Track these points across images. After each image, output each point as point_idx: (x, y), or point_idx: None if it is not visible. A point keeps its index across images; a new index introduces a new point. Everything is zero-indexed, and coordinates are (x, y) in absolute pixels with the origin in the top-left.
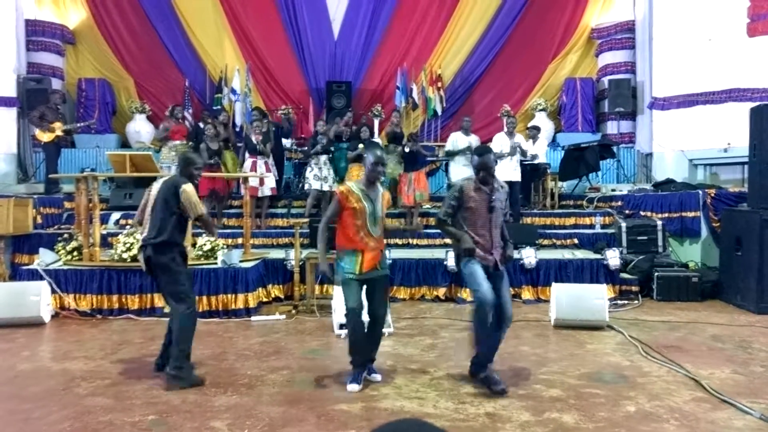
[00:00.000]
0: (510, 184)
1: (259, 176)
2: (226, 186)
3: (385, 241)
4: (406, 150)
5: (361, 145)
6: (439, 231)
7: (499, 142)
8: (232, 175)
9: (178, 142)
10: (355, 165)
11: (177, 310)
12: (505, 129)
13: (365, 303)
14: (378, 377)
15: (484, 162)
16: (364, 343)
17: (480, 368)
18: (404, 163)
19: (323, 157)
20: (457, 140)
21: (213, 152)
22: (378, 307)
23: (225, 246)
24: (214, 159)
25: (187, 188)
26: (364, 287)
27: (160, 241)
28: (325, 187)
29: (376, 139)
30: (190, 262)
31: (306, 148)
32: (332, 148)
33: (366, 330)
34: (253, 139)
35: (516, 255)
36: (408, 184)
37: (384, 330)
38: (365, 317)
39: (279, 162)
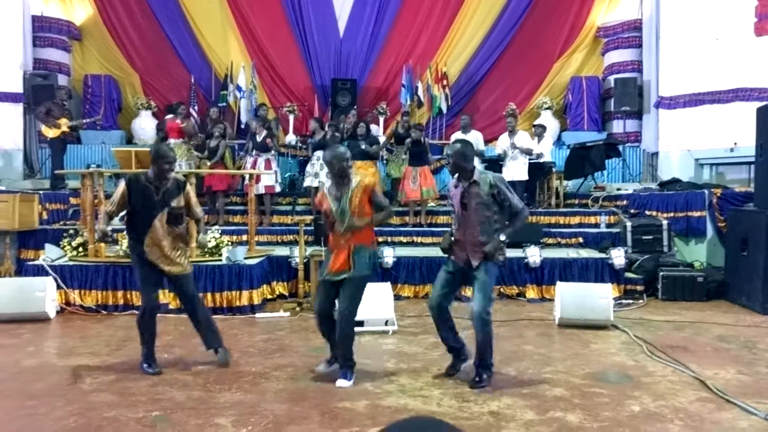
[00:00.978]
0: (513, 183)
1: (256, 173)
2: (227, 183)
3: (371, 237)
4: (412, 137)
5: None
6: (442, 229)
7: (501, 143)
8: (228, 172)
9: (173, 140)
10: (358, 161)
11: None
12: (506, 129)
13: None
14: (341, 383)
15: (451, 151)
16: (333, 341)
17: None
18: (410, 156)
19: (318, 154)
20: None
21: (211, 150)
22: (341, 303)
23: (229, 243)
24: (201, 155)
25: (120, 183)
26: (337, 288)
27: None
28: (315, 183)
29: (380, 136)
30: (194, 259)
31: (304, 146)
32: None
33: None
34: (257, 137)
35: (520, 254)
36: (413, 179)
37: (388, 328)
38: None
39: None
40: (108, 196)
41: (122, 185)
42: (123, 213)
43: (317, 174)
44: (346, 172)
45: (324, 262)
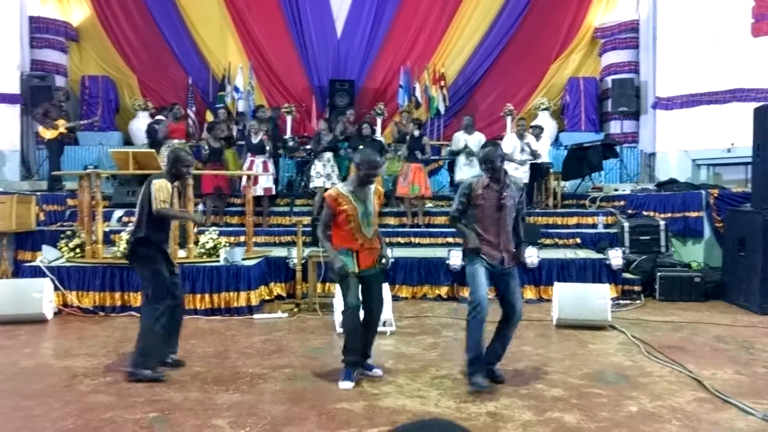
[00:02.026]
0: None
1: (255, 174)
2: (229, 184)
3: (381, 240)
4: (415, 134)
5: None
6: (440, 230)
7: (510, 144)
8: (230, 173)
9: (176, 141)
10: None
11: (143, 308)
12: (516, 130)
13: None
14: (379, 372)
15: (485, 155)
16: (359, 342)
17: (478, 368)
18: (407, 151)
19: (327, 155)
20: (459, 140)
21: (214, 150)
22: (374, 306)
23: (227, 244)
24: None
25: (158, 182)
26: (361, 285)
27: (135, 237)
28: (328, 185)
29: (378, 137)
30: (192, 260)
31: (310, 146)
32: (340, 146)
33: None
34: (253, 138)
35: None
36: (404, 176)
37: (386, 329)
38: (361, 315)
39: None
40: (106, 198)
41: (163, 182)
42: (122, 214)
43: (329, 175)
44: (372, 179)
45: (347, 260)
